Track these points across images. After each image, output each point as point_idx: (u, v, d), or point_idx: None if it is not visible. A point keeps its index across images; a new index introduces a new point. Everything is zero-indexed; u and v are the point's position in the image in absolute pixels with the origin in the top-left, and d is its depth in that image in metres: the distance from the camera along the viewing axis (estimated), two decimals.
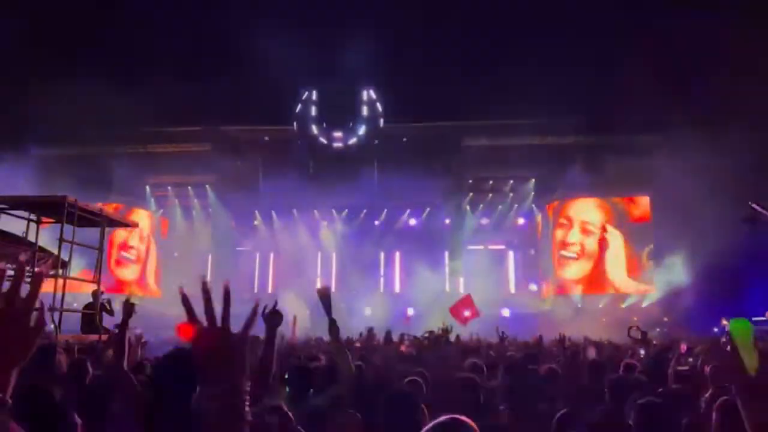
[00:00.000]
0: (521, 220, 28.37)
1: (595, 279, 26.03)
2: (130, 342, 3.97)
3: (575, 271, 26.18)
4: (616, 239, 26.01)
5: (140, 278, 27.54)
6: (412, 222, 28.37)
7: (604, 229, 26.15)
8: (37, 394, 2.36)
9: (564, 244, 26.38)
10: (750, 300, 20.21)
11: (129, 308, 3.89)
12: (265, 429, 2.96)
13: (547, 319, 21.83)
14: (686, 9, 21.09)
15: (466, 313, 14.88)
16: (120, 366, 3.52)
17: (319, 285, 27.46)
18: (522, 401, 4.48)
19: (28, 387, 2.25)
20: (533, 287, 27.71)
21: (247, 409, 1.34)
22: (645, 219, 26.05)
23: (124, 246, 26.98)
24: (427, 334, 10.06)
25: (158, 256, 28.30)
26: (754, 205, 12.24)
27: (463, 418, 1.89)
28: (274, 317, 3.74)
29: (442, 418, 1.90)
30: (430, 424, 1.91)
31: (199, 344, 1.37)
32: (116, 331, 6.21)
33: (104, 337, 7.67)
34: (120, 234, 26.11)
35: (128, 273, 27.16)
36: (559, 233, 26.66)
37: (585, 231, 26.23)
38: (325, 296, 4.38)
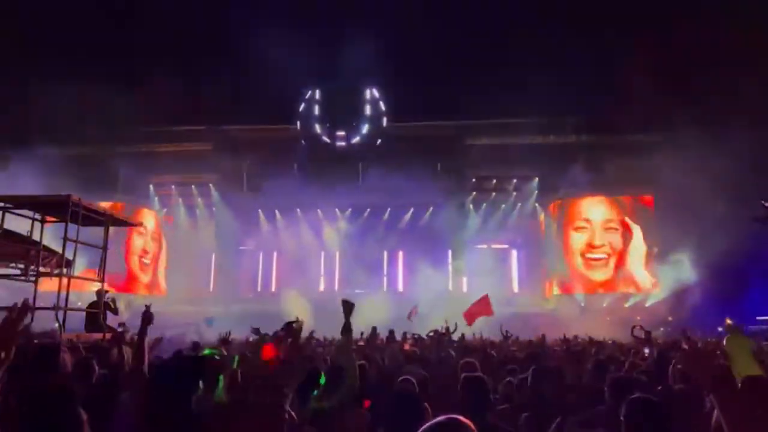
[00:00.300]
0: (525, 219, 28.34)
1: (617, 277, 25.87)
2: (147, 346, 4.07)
3: (605, 272, 25.97)
4: (637, 233, 25.90)
5: (152, 279, 27.69)
6: (415, 221, 28.35)
7: (625, 225, 25.99)
8: (45, 390, 2.39)
9: (591, 247, 26.10)
10: (754, 299, 20.19)
11: (148, 317, 3.96)
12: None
13: (550, 318, 21.82)
14: (689, 8, 21.06)
15: (479, 313, 14.78)
16: (140, 369, 3.58)
17: (322, 287, 27.66)
18: (522, 400, 4.48)
19: (36, 385, 2.28)
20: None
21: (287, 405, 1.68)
22: (649, 217, 25.97)
23: (144, 252, 27.08)
24: (432, 333, 10.06)
25: (165, 256, 28.43)
26: (767, 204, 12.21)
27: (461, 418, 1.89)
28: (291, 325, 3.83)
29: (440, 417, 1.90)
30: (428, 424, 1.91)
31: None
32: (120, 329, 6.26)
33: (108, 335, 7.70)
34: (138, 241, 26.30)
35: (145, 277, 27.38)
36: (577, 236, 26.38)
37: (609, 229, 26.04)
38: (348, 305, 4.54)
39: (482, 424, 2.00)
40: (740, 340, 1.50)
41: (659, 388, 4.26)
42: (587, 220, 26.31)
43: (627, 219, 25.97)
